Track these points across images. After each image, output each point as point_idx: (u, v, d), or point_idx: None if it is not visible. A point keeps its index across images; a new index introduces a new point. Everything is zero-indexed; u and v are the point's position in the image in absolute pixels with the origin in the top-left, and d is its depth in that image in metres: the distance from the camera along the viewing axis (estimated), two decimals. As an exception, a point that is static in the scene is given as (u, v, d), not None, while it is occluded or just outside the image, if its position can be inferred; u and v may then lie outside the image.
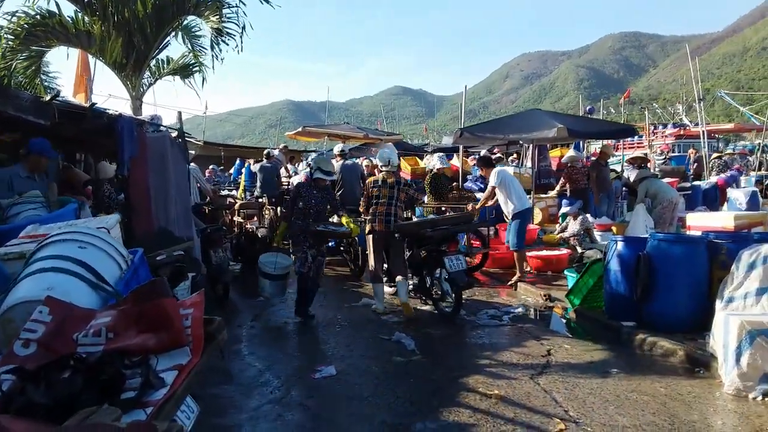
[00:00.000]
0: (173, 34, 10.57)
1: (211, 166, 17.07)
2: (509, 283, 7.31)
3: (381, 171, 6.42)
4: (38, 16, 9.08)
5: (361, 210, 6.43)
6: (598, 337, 5.20)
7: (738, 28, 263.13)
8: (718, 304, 4.30)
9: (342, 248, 8.49)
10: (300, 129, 15.24)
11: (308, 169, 10.44)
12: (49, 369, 1.57)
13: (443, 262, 5.71)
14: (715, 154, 15.69)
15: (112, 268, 2.23)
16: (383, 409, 3.67)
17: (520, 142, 12.20)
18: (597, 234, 8.44)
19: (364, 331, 5.63)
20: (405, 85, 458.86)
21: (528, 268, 7.69)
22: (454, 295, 5.76)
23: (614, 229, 8.26)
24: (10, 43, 8.89)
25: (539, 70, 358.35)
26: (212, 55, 10.14)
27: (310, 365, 4.58)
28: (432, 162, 10.33)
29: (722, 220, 6.89)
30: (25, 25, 8.90)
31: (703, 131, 16.78)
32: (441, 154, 10.41)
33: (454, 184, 10.27)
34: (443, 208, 9.16)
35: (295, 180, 9.91)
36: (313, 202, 5.84)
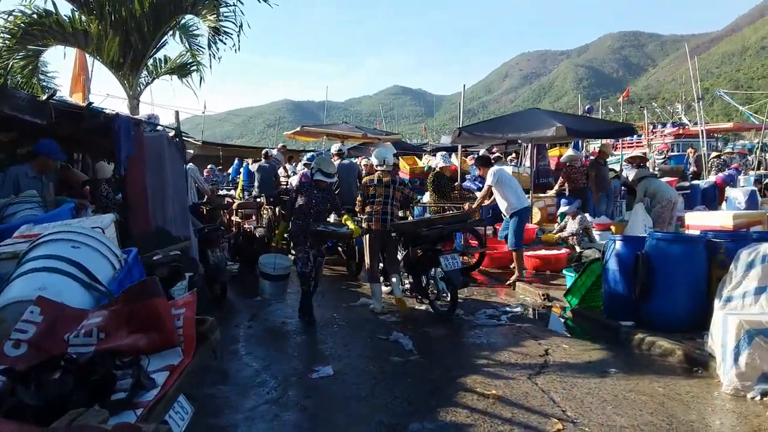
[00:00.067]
0: (170, 33, 10.55)
1: (209, 166, 17.04)
2: (507, 282, 7.29)
3: (377, 170, 6.40)
4: (35, 15, 9.06)
5: (357, 209, 6.41)
6: (597, 336, 5.19)
7: (737, 27, 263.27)
8: (717, 304, 4.28)
9: (339, 247, 8.47)
10: (298, 128, 15.20)
11: (304, 169, 10.45)
12: (39, 370, 1.56)
13: (439, 261, 5.71)
14: (714, 153, 15.67)
15: (105, 267, 2.22)
16: (381, 409, 3.65)
17: (519, 141, 12.18)
18: (596, 233, 8.42)
19: (361, 330, 5.62)
20: (404, 84, 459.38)
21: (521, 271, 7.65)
22: (449, 294, 5.75)
23: (613, 228, 8.25)
24: (6, 42, 8.88)
25: (538, 70, 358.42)
26: (210, 54, 10.13)
27: (307, 365, 4.57)
28: (435, 161, 10.32)
29: (721, 219, 6.87)
30: (22, 24, 8.88)
31: (702, 130, 16.79)
32: (444, 152, 10.39)
33: (456, 183, 10.26)
34: (447, 207, 9.13)
35: (293, 180, 9.88)
36: (313, 201, 5.81)
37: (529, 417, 3.45)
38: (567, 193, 9.86)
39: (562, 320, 5.85)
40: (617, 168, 12.70)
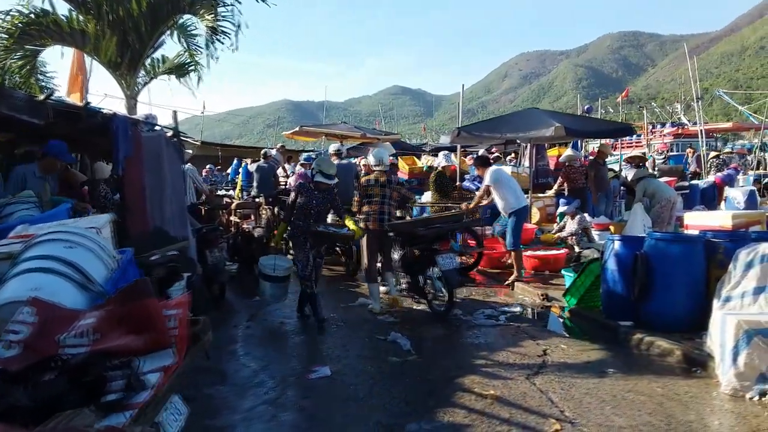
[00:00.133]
0: (168, 32, 10.50)
1: (208, 166, 17.03)
2: (506, 282, 7.28)
3: (374, 170, 6.39)
4: (32, 15, 9.03)
5: (355, 209, 6.39)
6: (595, 336, 5.18)
7: (736, 27, 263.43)
8: (716, 304, 4.27)
9: (337, 247, 8.45)
10: (297, 129, 15.19)
11: (301, 169, 10.43)
12: (32, 371, 1.55)
13: (436, 260, 5.69)
14: (713, 153, 15.68)
15: (100, 268, 2.20)
16: (378, 410, 3.64)
17: (518, 141, 12.17)
18: (595, 233, 8.41)
19: (360, 331, 5.61)
20: (404, 84, 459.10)
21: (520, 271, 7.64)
22: (446, 293, 5.75)
23: (612, 228, 8.23)
24: (4, 42, 8.85)
25: (538, 70, 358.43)
26: (207, 54, 10.10)
27: (305, 366, 4.55)
28: (438, 160, 10.32)
29: (720, 219, 6.86)
30: (19, 24, 8.85)
31: (701, 130, 16.79)
32: (446, 152, 10.39)
33: (458, 184, 10.24)
34: (449, 205, 9.11)
35: (290, 180, 9.87)
36: (314, 202, 5.71)
37: (527, 417, 3.44)
38: (566, 193, 9.85)
39: (561, 320, 5.83)
40: (616, 168, 12.69)
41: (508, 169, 10.20)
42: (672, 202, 8.02)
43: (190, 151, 11.24)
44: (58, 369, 1.50)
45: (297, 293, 6.13)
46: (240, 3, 9.83)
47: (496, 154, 12.89)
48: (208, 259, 6.38)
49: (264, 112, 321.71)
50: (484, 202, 7.55)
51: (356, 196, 6.41)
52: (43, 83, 9.97)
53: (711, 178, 12.76)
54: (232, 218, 9.77)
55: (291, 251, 7.22)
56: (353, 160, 12.70)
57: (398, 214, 7.85)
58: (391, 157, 12.53)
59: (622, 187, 10.85)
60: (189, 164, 9.00)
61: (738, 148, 22.36)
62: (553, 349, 4.78)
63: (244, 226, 9.12)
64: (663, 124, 31.04)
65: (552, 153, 13.34)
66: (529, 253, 7.88)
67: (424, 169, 12.44)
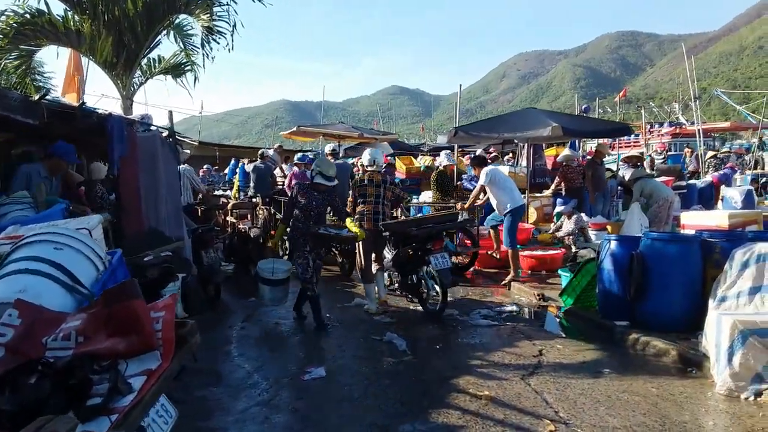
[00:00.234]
0: (164, 32, 10.49)
1: (205, 166, 17.01)
2: (503, 282, 7.27)
3: (368, 170, 6.37)
4: (27, 15, 9.01)
5: (349, 209, 6.37)
6: (591, 336, 5.17)
7: (734, 27, 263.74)
8: (711, 304, 4.26)
9: (334, 247, 8.43)
10: (295, 129, 15.16)
11: (295, 169, 10.42)
12: (15, 374, 1.53)
13: (429, 260, 5.69)
14: (710, 153, 15.69)
15: (88, 269, 2.18)
16: (373, 411, 3.63)
17: (515, 141, 12.16)
18: (592, 233, 8.40)
19: (356, 331, 5.59)
20: (402, 84, 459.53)
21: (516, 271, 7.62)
22: (440, 293, 5.75)
23: (609, 228, 8.23)
24: (-1, 42, 8.83)
25: (536, 70, 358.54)
26: (203, 54, 10.09)
27: (300, 366, 4.53)
28: (439, 159, 10.32)
29: (717, 218, 6.85)
30: (14, 24, 8.83)
31: (699, 130, 16.80)
32: (448, 151, 10.38)
33: (459, 183, 10.24)
34: (451, 204, 9.10)
35: (285, 180, 9.85)
36: (314, 204, 5.64)
37: (521, 418, 3.43)
38: (563, 192, 9.84)
39: (558, 320, 5.82)
40: (614, 168, 12.69)
41: (505, 169, 10.21)
42: (669, 201, 8.01)
43: (188, 152, 11.21)
44: (41, 372, 1.48)
45: (297, 294, 6.08)
46: (236, 2, 9.84)
47: (494, 154, 12.88)
48: (203, 259, 6.37)
49: (262, 112, 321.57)
50: (479, 202, 7.54)
51: (350, 196, 6.39)
52: (40, 83, 9.94)
53: (708, 177, 12.77)
54: (229, 218, 9.76)
55: (287, 252, 7.20)
56: (351, 161, 12.69)
57: (396, 213, 7.84)
58: (389, 157, 12.54)
59: (619, 187, 10.84)
60: (186, 164, 8.98)
61: (736, 147, 22.40)
62: (548, 349, 4.77)
63: (241, 226, 9.12)
64: (661, 124, 31.11)
65: (549, 153, 13.35)
66: (526, 252, 7.87)
67: (422, 169, 12.43)
